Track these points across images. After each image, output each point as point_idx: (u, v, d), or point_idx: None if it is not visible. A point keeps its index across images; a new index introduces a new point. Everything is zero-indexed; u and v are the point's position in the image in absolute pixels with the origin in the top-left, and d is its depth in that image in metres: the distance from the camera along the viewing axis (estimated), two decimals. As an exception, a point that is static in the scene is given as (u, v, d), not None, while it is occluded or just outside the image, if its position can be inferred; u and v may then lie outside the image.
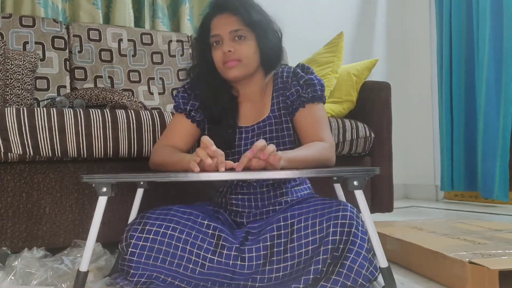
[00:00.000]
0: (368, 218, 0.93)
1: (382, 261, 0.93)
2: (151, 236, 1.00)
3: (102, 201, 0.96)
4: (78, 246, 1.21)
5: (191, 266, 0.98)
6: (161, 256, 0.98)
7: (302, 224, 0.97)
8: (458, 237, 1.33)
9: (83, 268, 0.97)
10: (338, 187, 1.23)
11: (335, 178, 1.18)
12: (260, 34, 1.15)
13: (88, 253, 0.97)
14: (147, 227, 1.01)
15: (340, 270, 0.88)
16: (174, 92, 1.85)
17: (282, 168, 0.93)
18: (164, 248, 0.99)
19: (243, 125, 1.20)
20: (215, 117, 1.19)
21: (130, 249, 0.99)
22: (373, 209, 1.89)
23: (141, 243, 1.00)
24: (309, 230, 0.96)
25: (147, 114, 1.36)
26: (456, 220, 1.75)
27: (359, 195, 0.92)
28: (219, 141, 1.14)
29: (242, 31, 1.13)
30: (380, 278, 0.95)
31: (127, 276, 0.98)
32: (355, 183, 0.90)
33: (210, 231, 1.01)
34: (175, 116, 1.24)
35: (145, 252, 0.99)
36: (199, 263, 0.98)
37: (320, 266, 0.90)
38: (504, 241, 1.26)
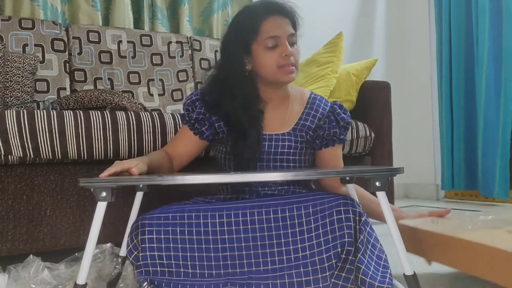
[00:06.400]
0: (392, 222, 0.88)
1: (407, 268, 0.88)
2: (147, 245, 0.95)
3: (101, 207, 0.88)
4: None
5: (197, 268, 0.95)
6: (165, 262, 0.95)
7: (304, 219, 0.94)
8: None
9: (81, 281, 0.89)
10: (351, 188, 1.11)
11: (347, 178, 1.08)
12: (297, 39, 1.16)
13: (86, 266, 0.89)
14: (146, 236, 0.95)
15: (349, 266, 0.86)
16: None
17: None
18: (164, 253, 0.95)
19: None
20: (242, 126, 1.11)
21: (135, 254, 0.95)
22: (374, 209, 1.89)
23: (144, 246, 0.95)
24: (312, 226, 0.92)
25: (147, 116, 1.36)
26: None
27: (382, 196, 0.87)
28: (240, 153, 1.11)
29: (295, 36, 1.13)
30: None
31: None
32: (377, 183, 0.85)
33: (210, 229, 0.97)
34: (182, 126, 1.23)
35: (151, 253, 0.95)
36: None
37: (329, 272, 0.88)
38: None
